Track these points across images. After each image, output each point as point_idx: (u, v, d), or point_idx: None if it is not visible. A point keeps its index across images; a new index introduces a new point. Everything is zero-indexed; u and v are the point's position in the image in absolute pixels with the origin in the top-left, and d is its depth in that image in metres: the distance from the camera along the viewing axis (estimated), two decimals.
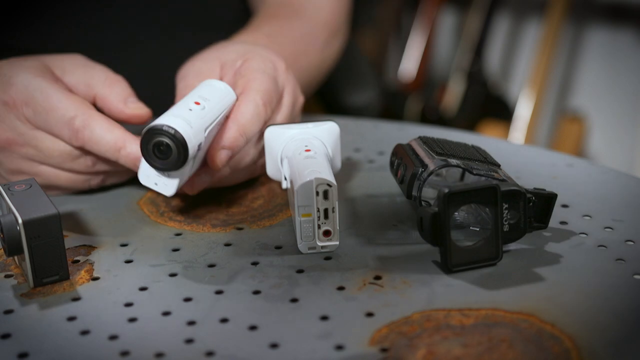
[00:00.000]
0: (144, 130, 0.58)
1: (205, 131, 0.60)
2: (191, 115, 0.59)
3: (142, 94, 0.70)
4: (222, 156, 0.62)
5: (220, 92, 0.64)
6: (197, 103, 0.61)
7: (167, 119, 0.58)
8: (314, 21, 0.89)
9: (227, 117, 0.64)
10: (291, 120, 0.70)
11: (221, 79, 0.69)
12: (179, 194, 0.68)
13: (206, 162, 0.64)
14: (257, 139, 0.67)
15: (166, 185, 0.60)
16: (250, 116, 0.64)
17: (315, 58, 0.88)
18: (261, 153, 0.68)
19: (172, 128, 0.57)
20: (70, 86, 0.67)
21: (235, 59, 0.69)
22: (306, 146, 0.62)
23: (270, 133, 0.65)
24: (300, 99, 0.72)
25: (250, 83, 0.66)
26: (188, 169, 0.61)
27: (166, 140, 0.57)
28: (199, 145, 0.59)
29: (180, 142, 0.57)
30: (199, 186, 0.65)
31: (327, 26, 0.90)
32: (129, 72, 0.74)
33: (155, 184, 0.60)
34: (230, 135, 0.63)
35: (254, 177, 0.70)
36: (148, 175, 0.60)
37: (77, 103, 0.64)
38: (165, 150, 0.58)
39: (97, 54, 0.77)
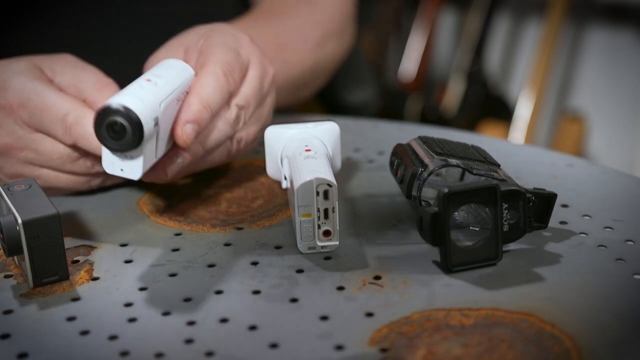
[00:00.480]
0: (98, 111, 0.56)
1: (160, 105, 0.58)
2: (142, 91, 0.57)
3: None
4: (187, 131, 0.60)
5: (175, 68, 0.63)
6: (149, 80, 0.59)
7: (116, 98, 0.56)
8: (305, 20, 0.87)
9: (188, 93, 0.62)
10: (261, 93, 0.68)
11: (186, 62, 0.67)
12: (176, 194, 0.68)
13: (175, 146, 0.62)
14: (227, 113, 0.65)
15: (132, 168, 0.58)
16: (212, 88, 0.63)
17: (305, 56, 0.86)
18: (234, 127, 0.66)
19: (122, 105, 0.55)
20: (61, 87, 0.66)
21: (197, 40, 0.68)
22: (306, 146, 0.62)
23: (270, 133, 0.65)
24: (270, 72, 0.70)
25: (209, 57, 0.65)
26: (151, 148, 0.59)
27: (118, 119, 0.55)
28: (156, 120, 0.57)
29: (132, 119, 0.55)
30: (173, 171, 0.63)
31: (320, 26, 0.88)
32: (127, 72, 0.74)
33: (122, 169, 0.58)
34: (193, 108, 0.61)
35: (233, 157, 0.69)
36: (112, 162, 0.58)
37: (71, 101, 0.64)
38: (119, 130, 0.55)
39: (97, 54, 0.77)
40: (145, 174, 0.62)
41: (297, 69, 0.84)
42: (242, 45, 0.68)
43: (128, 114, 0.55)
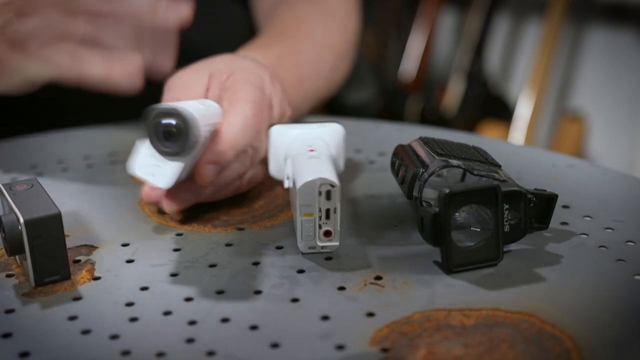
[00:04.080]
0: (153, 111, 0.56)
1: (207, 127, 0.59)
2: (196, 108, 0.59)
3: (142, 97, 0.70)
4: (209, 171, 0.60)
5: (215, 107, 0.63)
6: (201, 104, 0.61)
7: (173, 104, 0.57)
8: (321, 45, 0.86)
9: (216, 132, 0.62)
10: None
11: (208, 89, 0.67)
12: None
13: (189, 179, 0.62)
14: (245, 153, 0.65)
15: (163, 176, 0.58)
16: (240, 128, 0.62)
17: (321, 83, 0.85)
18: (247, 167, 0.66)
19: (186, 109, 0.56)
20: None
21: (222, 71, 0.68)
22: (310, 146, 0.62)
23: (275, 132, 0.65)
24: (288, 112, 0.70)
25: (237, 94, 0.64)
26: (186, 164, 0.59)
27: (177, 120, 0.56)
28: (201, 138, 0.58)
29: (191, 123, 0.56)
30: (180, 204, 0.63)
31: (333, 50, 0.88)
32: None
33: (153, 174, 0.58)
34: (218, 148, 0.61)
35: (239, 193, 0.68)
36: (145, 165, 0.59)
37: None
38: (175, 132, 0.56)
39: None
40: (152, 195, 0.63)
41: (315, 96, 0.83)
42: (266, 85, 0.67)
43: (187, 116, 0.56)
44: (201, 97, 0.66)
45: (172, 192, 0.63)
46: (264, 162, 0.69)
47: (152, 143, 0.57)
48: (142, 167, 0.59)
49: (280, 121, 0.69)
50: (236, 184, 0.66)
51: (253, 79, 0.66)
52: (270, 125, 0.67)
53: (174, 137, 0.56)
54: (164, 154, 0.57)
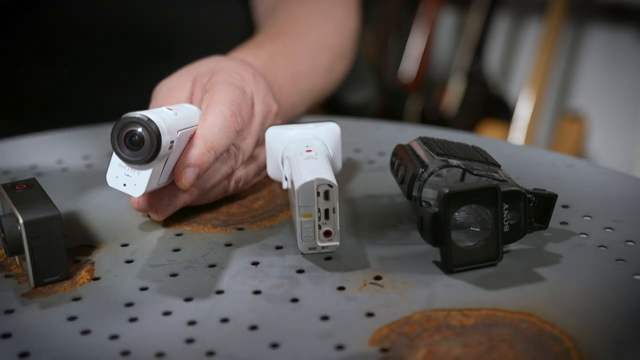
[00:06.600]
0: (119, 121, 0.57)
1: (177, 132, 0.59)
2: (163, 114, 0.58)
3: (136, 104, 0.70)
4: (188, 175, 0.59)
5: (192, 111, 0.63)
6: (170, 109, 0.60)
7: (140, 112, 0.57)
8: (318, 44, 0.86)
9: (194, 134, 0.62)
10: (262, 131, 0.67)
11: (192, 94, 0.67)
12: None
13: (171, 185, 0.62)
14: (226, 154, 0.64)
15: (135, 185, 0.58)
16: (218, 129, 0.61)
17: (318, 81, 0.85)
18: (233, 167, 0.65)
19: (146, 116, 0.56)
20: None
21: (204, 74, 0.67)
22: (307, 146, 0.62)
23: (271, 133, 0.65)
24: (273, 109, 0.69)
25: (214, 95, 0.63)
26: (158, 171, 0.59)
27: (140, 129, 0.56)
28: (171, 144, 0.58)
29: (153, 130, 0.56)
30: (164, 211, 0.63)
31: (330, 49, 0.87)
32: (130, 87, 0.74)
33: (124, 184, 0.59)
34: (196, 151, 0.60)
35: (228, 195, 0.67)
36: (117, 175, 0.59)
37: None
38: (137, 141, 0.57)
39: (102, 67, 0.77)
40: (140, 204, 0.63)
41: (309, 95, 0.83)
42: (246, 83, 0.66)
43: (150, 125, 0.56)
44: (186, 102, 0.66)
45: (155, 200, 0.62)
46: (259, 163, 0.69)
47: (116, 152, 0.57)
48: (113, 177, 0.59)
49: (266, 118, 0.68)
50: (223, 186, 0.66)
51: (232, 78, 0.66)
52: (258, 123, 0.67)
53: (138, 146, 0.57)
54: (128, 162, 0.58)
